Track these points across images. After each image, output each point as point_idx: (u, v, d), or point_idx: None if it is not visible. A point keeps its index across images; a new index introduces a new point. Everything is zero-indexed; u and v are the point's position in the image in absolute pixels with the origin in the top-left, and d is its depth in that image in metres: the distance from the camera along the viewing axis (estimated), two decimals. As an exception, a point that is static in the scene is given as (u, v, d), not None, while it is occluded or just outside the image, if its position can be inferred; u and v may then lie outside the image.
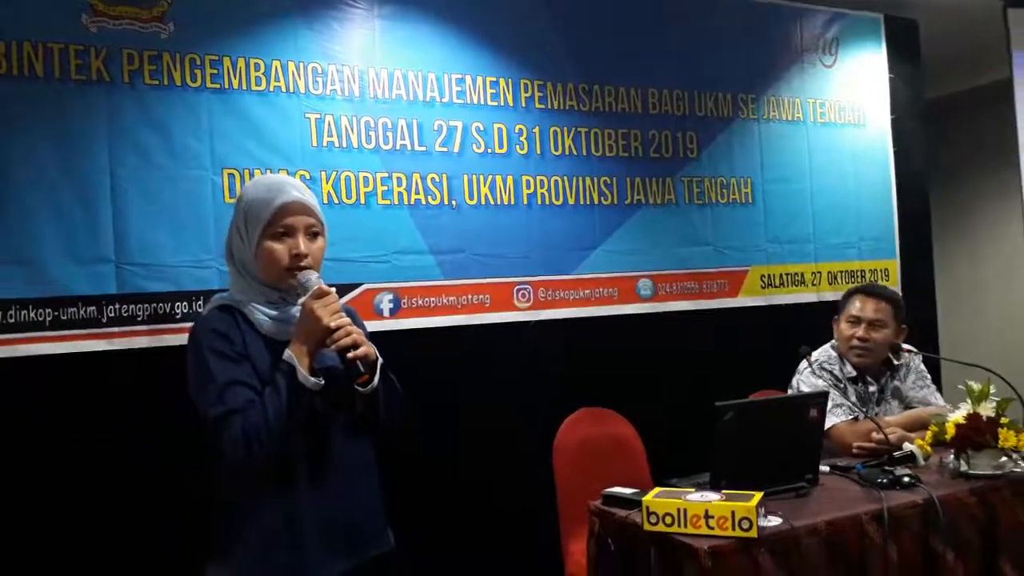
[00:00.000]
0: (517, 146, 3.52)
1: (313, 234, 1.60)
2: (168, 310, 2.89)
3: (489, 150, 3.46)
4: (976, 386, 2.16)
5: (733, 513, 1.71)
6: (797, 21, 4.25)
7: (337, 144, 3.19)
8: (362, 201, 3.23)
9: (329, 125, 3.18)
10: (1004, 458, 2.13)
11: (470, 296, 3.37)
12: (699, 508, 1.74)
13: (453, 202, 3.37)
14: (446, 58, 3.41)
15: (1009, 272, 5.06)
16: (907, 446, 2.30)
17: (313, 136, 3.15)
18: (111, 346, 2.80)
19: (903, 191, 4.53)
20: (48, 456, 2.70)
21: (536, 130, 3.56)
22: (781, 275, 4.15)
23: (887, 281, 4.37)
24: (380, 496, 1.66)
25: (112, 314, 2.80)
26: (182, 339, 2.85)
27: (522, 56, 3.55)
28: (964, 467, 2.11)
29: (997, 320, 4.51)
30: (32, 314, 2.69)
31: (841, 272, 4.34)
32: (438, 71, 3.38)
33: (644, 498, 1.80)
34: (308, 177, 3.11)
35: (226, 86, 3.02)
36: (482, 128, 3.46)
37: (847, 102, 4.39)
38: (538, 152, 3.56)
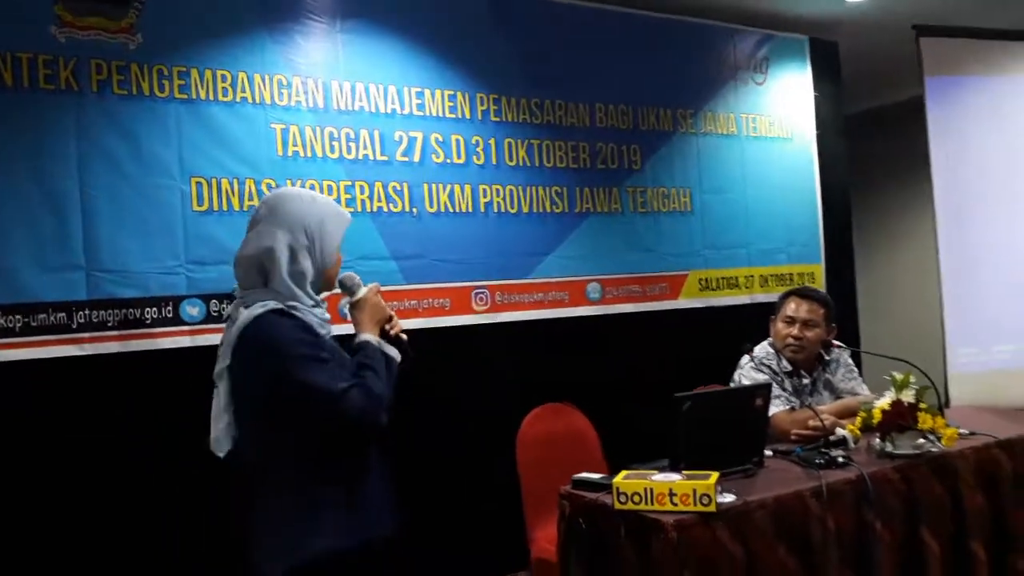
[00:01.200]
0: (474, 157, 3.69)
1: None
2: (138, 316, 2.94)
3: (448, 160, 3.62)
4: (899, 376, 2.42)
5: (695, 491, 1.91)
6: (731, 41, 4.53)
7: (302, 154, 3.30)
8: (326, 209, 3.34)
9: (294, 135, 3.28)
10: (922, 439, 2.39)
11: (431, 300, 3.52)
12: (664, 487, 1.93)
13: (414, 210, 3.51)
14: (406, 72, 3.55)
15: (922, 274, 5.49)
16: (839, 431, 2.54)
17: (279, 146, 3.25)
18: (82, 351, 2.85)
19: (827, 200, 4.87)
20: (19, 459, 2.73)
21: (492, 142, 3.74)
22: (717, 279, 4.42)
23: (813, 283, 4.68)
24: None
25: (82, 320, 2.85)
26: (153, 344, 2.96)
27: (478, 71, 3.72)
28: (889, 447, 2.37)
29: (911, 318, 4.89)
30: (2, 320, 2.72)
31: (771, 276, 4.64)
32: (398, 84, 3.52)
33: (614, 480, 1.99)
34: (274, 185, 3.21)
35: (194, 97, 3.09)
36: (441, 139, 3.61)
37: (776, 117, 4.71)
38: (494, 162, 3.74)
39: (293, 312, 1.71)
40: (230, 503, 1.85)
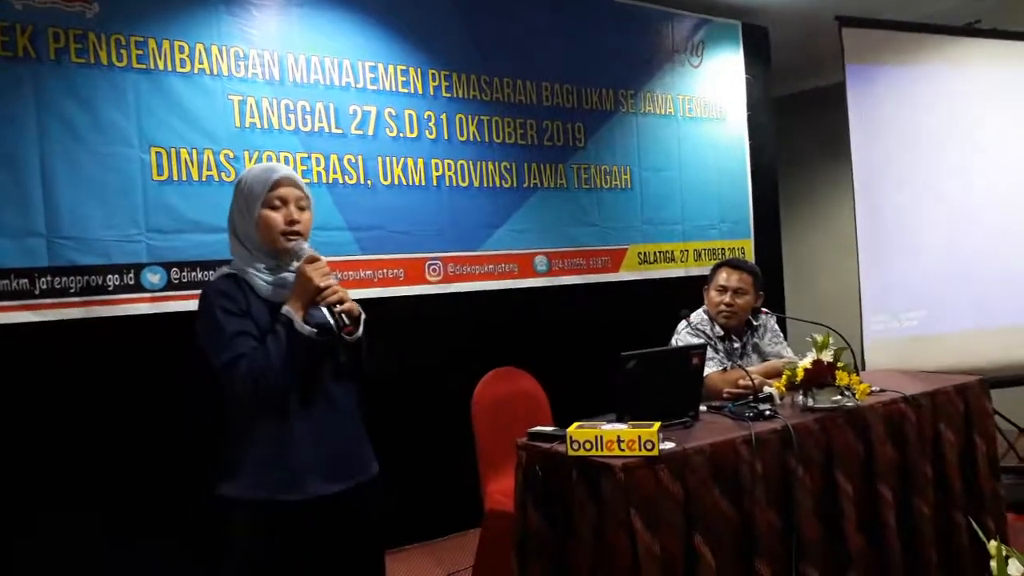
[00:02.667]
0: (427, 131, 3.82)
1: (301, 207, 1.84)
2: (100, 283, 3.00)
3: (401, 134, 3.74)
4: (819, 338, 2.68)
5: (640, 437, 2.11)
6: (669, 25, 4.75)
7: (259, 125, 3.38)
8: (283, 180, 3.42)
9: (251, 107, 3.36)
10: (839, 395, 2.66)
11: (386, 270, 3.65)
12: (612, 435, 2.14)
13: (369, 182, 3.62)
14: (360, 46, 3.65)
15: (842, 247, 5.90)
16: (767, 389, 2.79)
17: (236, 117, 3.32)
18: (43, 317, 2.89)
19: (757, 179, 5.16)
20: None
21: (444, 117, 3.87)
22: (655, 252, 4.67)
23: (743, 257, 4.99)
24: (364, 432, 1.95)
25: (44, 286, 2.90)
26: (114, 311, 3.04)
27: (430, 47, 3.84)
28: (810, 402, 2.63)
29: (833, 287, 5.25)
30: (-37, 286, 2.75)
31: (705, 250, 4.91)
32: (353, 58, 3.62)
33: (568, 430, 2.18)
34: (232, 156, 3.29)
35: (152, 67, 3.14)
36: (394, 113, 3.73)
37: (710, 99, 4.96)
38: (446, 137, 3.87)
39: (241, 275, 1.80)
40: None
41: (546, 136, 4.22)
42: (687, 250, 4.82)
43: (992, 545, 1.18)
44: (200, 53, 3.24)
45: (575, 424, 2.25)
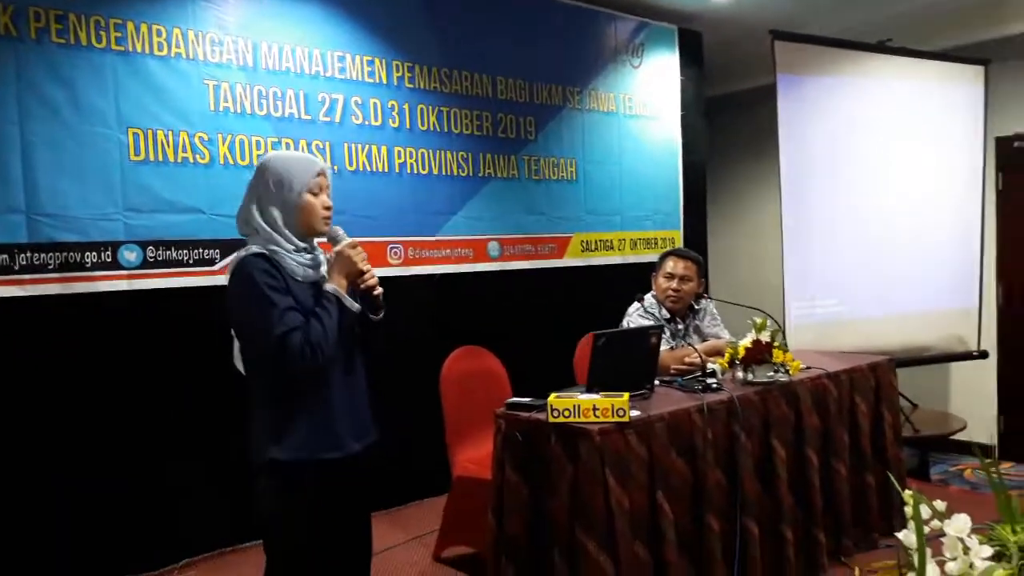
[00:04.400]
0: (390, 120, 3.98)
1: (329, 195, 2.03)
2: (78, 259, 3.06)
3: (366, 122, 3.90)
4: (758, 320, 3.02)
5: (613, 405, 2.39)
6: (613, 27, 5.04)
7: (233, 109, 3.48)
8: (255, 163, 3.49)
9: (225, 92, 3.45)
10: (774, 371, 3.01)
11: (351, 252, 3.80)
12: (588, 404, 2.40)
13: (335, 167, 3.77)
14: (329, 37, 3.78)
15: (764, 238, 6.38)
16: (711, 365, 3.13)
17: (211, 101, 3.41)
18: (23, 292, 2.94)
19: (687, 174, 5.52)
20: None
21: (406, 106, 4.04)
22: (596, 241, 4.97)
23: (674, 247, 5.33)
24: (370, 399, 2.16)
25: (24, 262, 2.95)
26: (93, 287, 3.12)
27: (394, 39, 4.00)
28: (751, 377, 2.98)
29: (755, 275, 5.67)
30: (-56, 261, 2.78)
31: (640, 240, 5.24)
32: (322, 48, 3.75)
33: (549, 399, 2.44)
34: (207, 139, 3.39)
35: (130, 49, 3.20)
36: (360, 102, 3.88)
37: (649, 98, 5.28)
38: (408, 127, 4.05)
39: (272, 255, 1.91)
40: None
41: (500, 128, 4.44)
42: (624, 239, 5.13)
43: (907, 493, 1.47)
44: (177, 37, 3.31)
45: (553, 395, 2.50)
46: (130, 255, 3.19)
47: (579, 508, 2.35)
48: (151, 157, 3.24)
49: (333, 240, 2.02)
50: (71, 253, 3.05)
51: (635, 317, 3.44)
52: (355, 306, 1.96)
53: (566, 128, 4.78)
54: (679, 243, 5.44)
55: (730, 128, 6.67)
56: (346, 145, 3.82)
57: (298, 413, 1.92)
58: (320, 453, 1.93)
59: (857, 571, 3.05)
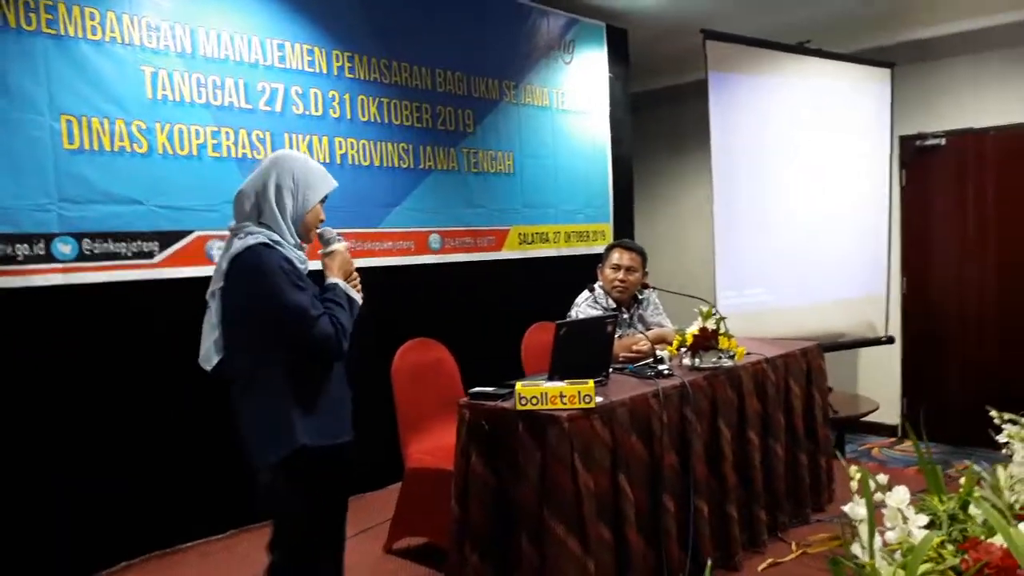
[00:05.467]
0: (331, 110, 3.93)
1: None
2: (10, 252, 2.91)
3: (307, 112, 3.83)
4: (704, 309, 3.15)
5: (579, 392, 2.45)
6: (546, 22, 5.10)
7: (171, 97, 3.36)
8: (194, 152, 3.44)
9: (163, 79, 3.33)
10: (719, 357, 3.15)
11: (294, 245, 3.73)
12: (555, 391, 2.46)
13: (276, 159, 3.68)
14: (268, 24, 3.70)
15: (684, 231, 6.62)
16: (659, 352, 3.24)
17: (148, 88, 3.29)
18: (-50, 287, 2.77)
19: (616, 168, 5.66)
20: None
21: (347, 97, 4.00)
22: (533, 233, 5.04)
23: (604, 239, 5.46)
24: None
25: (-49, 255, 2.77)
26: (25, 281, 2.97)
27: (334, 28, 3.95)
28: (699, 362, 3.10)
29: (683, 266, 5.89)
30: None
31: (573, 232, 5.34)
32: (261, 36, 3.67)
33: (517, 388, 2.48)
34: (144, 127, 3.26)
35: (62, 32, 3.05)
36: (300, 92, 3.81)
37: (580, 94, 5.38)
38: (348, 117, 4.00)
39: (277, 246, 2.01)
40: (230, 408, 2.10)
41: (439, 120, 4.45)
42: (559, 232, 5.22)
43: (853, 468, 1.60)
44: (112, 21, 3.17)
45: (519, 383, 2.55)
46: (64, 248, 3.04)
47: (548, 493, 2.40)
48: (86, 146, 3.10)
49: (327, 241, 2.18)
50: (1, 246, 2.88)
51: (584, 307, 3.53)
52: (360, 299, 2.16)
53: (503, 121, 4.83)
54: (610, 236, 5.56)
55: (652, 123, 6.87)
56: (287, 135, 3.74)
57: (320, 400, 2.06)
58: (339, 437, 2.13)
59: (794, 546, 3.23)
